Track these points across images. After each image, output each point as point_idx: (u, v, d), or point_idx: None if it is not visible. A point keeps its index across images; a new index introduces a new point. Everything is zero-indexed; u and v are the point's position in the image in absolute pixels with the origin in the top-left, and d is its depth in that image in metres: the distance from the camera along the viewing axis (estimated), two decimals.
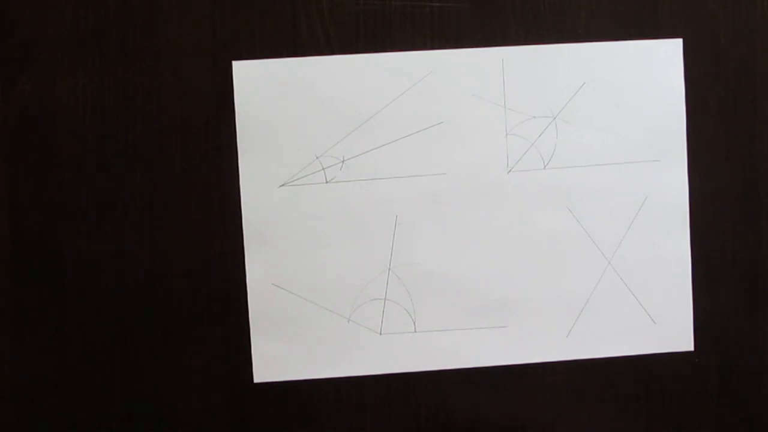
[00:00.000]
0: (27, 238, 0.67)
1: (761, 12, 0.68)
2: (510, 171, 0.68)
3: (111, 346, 0.68)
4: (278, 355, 0.68)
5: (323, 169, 0.67)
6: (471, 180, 0.68)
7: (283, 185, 0.67)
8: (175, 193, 0.67)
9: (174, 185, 0.67)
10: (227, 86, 0.67)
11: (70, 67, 0.66)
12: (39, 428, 0.68)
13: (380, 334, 0.68)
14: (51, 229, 0.67)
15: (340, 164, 0.67)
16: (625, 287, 0.68)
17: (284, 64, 0.67)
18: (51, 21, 0.66)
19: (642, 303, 0.68)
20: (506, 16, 0.67)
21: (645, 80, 0.68)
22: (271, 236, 0.67)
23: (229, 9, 0.67)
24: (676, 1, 0.68)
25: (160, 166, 0.67)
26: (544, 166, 0.68)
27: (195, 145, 0.67)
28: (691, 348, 0.69)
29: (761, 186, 0.69)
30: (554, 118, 0.68)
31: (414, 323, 0.68)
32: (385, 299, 0.68)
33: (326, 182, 0.67)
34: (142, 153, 0.67)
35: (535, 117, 0.68)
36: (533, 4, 0.67)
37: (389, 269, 0.68)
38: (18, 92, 0.66)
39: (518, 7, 0.67)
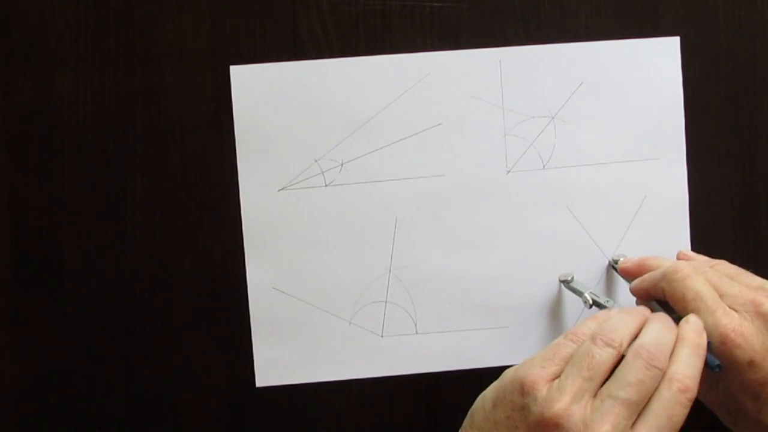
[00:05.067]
0: (27, 238, 0.67)
1: (761, 12, 0.68)
2: (509, 171, 0.68)
3: (111, 349, 0.68)
4: (280, 359, 0.68)
5: (322, 172, 0.67)
6: (470, 181, 0.68)
7: (282, 189, 0.67)
8: (175, 196, 0.67)
9: (174, 188, 0.67)
10: (227, 88, 0.67)
11: (70, 67, 0.67)
12: (39, 428, 0.68)
13: (382, 336, 0.68)
14: (51, 229, 0.67)
15: (339, 167, 0.67)
16: (627, 286, 0.68)
17: (282, 67, 0.67)
18: (51, 21, 0.66)
19: None
20: (506, 16, 0.68)
21: (643, 78, 0.68)
22: (272, 240, 0.67)
23: (229, 9, 0.67)
24: (676, 1, 0.68)
25: (160, 169, 0.67)
26: (543, 166, 0.68)
27: (195, 148, 0.67)
28: None
29: (761, 186, 0.69)
30: (552, 118, 0.68)
31: (415, 325, 0.68)
32: (386, 301, 0.68)
33: (325, 186, 0.67)
34: (142, 154, 0.67)
35: (533, 117, 0.68)
36: (533, 4, 0.68)
37: (390, 271, 0.68)
38: (18, 92, 0.67)
39: (518, 7, 0.68)
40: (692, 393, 0.52)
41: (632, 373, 0.52)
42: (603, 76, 0.68)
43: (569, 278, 0.67)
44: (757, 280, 0.59)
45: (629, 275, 0.64)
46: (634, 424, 0.52)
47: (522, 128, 0.68)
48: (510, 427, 0.53)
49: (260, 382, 0.68)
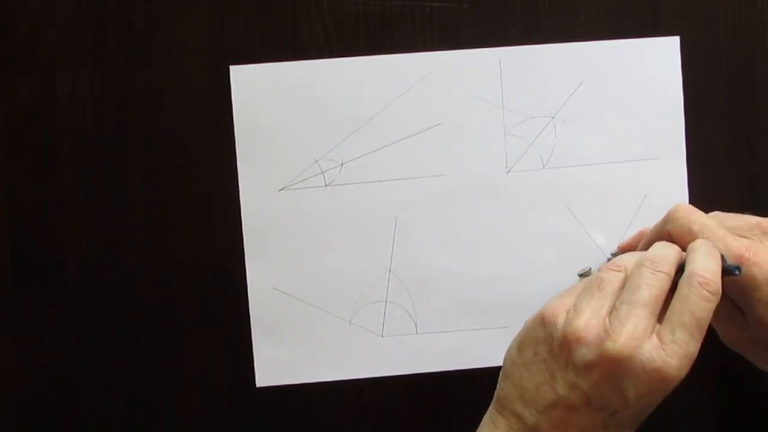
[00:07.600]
0: (27, 238, 0.67)
1: (761, 12, 0.68)
2: (509, 171, 0.68)
3: (111, 349, 0.68)
4: (280, 359, 0.68)
5: (322, 172, 0.67)
6: (470, 181, 0.68)
7: (282, 189, 0.67)
8: (175, 196, 0.67)
9: (174, 188, 0.67)
10: (227, 88, 0.67)
11: (70, 67, 0.67)
12: (39, 428, 0.68)
13: (382, 336, 0.68)
14: (51, 229, 0.67)
15: (339, 167, 0.67)
16: None
17: (281, 67, 0.67)
18: (51, 21, 0.66)
19: None
20: (506, 16, 0.68)
21: (643, 78, 0.68)
22: (272, 240, 0.67)
23: (229, 9, 0.67)
24: (676, 1, 0.68)
25: (160, 169, 0.67)
26: (543, 166, 0.68)
27: (195, 148, 0.67)
28: None
29: (761, 186, 0.69)
30: (552, 118, 0.68)
31: (415, 325, 0.68)
32: (386, 301, 0.68)
33: (325, 186, 0.67)
34: (141, 154, 0.67)
35: (533, 117, 0.68)
36: (533, 4, 0.68)
37: (390, 271, 0.68)
38: (18, 92, 0.67)
39: (518, 7, 0.68)
40: (713, 286, 0.53)
41: (639, 278, 0.54)
42: (603, 75, 0.68)
43: (587, 270, 0.67)
44: (755, 217, 0.60)
45: (630, 250, 0.65)
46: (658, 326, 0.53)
47: (522, 128, 0.68)
48: (538, 362, 0.55)
49: (260, 382, 0.68)
